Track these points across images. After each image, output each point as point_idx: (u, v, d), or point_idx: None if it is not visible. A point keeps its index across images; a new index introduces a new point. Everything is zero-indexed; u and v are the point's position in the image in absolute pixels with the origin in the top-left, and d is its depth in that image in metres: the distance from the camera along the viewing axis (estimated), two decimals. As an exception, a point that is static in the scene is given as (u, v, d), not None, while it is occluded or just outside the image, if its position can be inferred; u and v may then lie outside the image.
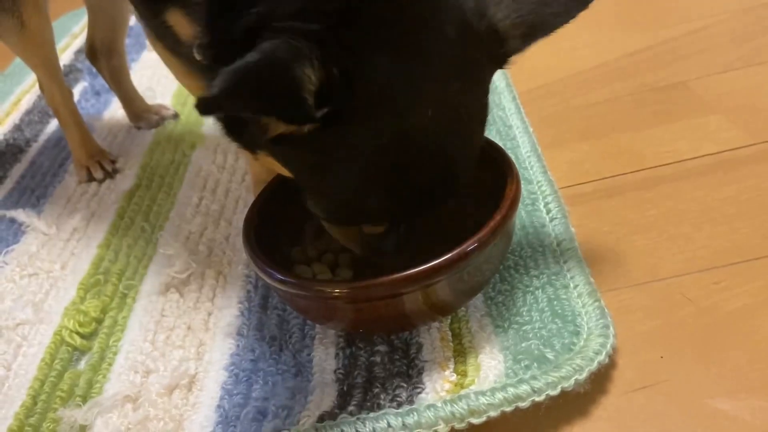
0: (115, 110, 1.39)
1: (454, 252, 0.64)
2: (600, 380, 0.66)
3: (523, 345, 0.69)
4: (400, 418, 0.62)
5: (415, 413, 0.62)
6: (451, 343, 0.72)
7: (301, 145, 0.59)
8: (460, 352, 0.71)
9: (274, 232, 0.79)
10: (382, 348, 0.73)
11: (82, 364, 0.82)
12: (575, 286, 0.74)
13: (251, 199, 1.01)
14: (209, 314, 0.84)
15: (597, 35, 1.29)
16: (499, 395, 0.62)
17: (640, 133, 1.02)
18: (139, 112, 1.32)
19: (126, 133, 1.31)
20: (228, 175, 1.10)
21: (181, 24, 0.75)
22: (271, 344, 0.77)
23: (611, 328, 0.68)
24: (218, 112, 0.59)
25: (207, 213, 1.02)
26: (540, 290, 0.75)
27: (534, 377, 0.64)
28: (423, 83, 0.59)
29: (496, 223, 0.67)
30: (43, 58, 1.15)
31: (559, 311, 0.72)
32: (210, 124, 1.24)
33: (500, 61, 0.63)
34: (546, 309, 0.72)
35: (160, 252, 0.95)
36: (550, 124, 1.07)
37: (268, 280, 0.71)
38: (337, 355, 0.74)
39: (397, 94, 0.58)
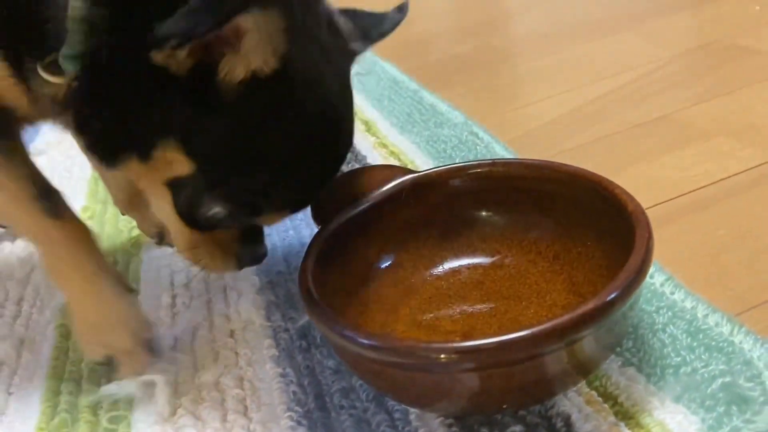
0: None
1: (604, 297, 0.52)
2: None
3: (703, 389, 0.55)
4: None
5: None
6: (605, 405, 0.57)
7: (240, 105, 0.57)
8: (623, 413, 0.56)
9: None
10: (517, 428, 0.57)
11: None
12: (705, 316, 0.64)
13: (241, 285, 0.83)
14: (250, 433, 0.62)
15: (561, 86, 1.27)
16: (725, 451, 0.49)
17: (652, 163, 0.97)
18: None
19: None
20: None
21: None
22: (360, 454, 0.58)
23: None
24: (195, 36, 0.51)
25: (190, 309, 0.80)
26: (671, 326, 0.63)
27: (749, 420, 0.51)
28: (326, 57, 0.63)
29: (639, 262, 0.55)
30: None
31: (713, 344, 0.60)
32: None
33: (351, 57, 0.70)
34: (695, 345, 0.60)
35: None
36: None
37: (353, 347, 0.55)
38: (462, 449, 0.56)
39: (313, 65, 0.61)
